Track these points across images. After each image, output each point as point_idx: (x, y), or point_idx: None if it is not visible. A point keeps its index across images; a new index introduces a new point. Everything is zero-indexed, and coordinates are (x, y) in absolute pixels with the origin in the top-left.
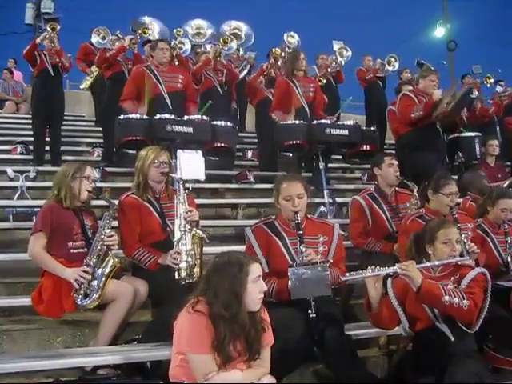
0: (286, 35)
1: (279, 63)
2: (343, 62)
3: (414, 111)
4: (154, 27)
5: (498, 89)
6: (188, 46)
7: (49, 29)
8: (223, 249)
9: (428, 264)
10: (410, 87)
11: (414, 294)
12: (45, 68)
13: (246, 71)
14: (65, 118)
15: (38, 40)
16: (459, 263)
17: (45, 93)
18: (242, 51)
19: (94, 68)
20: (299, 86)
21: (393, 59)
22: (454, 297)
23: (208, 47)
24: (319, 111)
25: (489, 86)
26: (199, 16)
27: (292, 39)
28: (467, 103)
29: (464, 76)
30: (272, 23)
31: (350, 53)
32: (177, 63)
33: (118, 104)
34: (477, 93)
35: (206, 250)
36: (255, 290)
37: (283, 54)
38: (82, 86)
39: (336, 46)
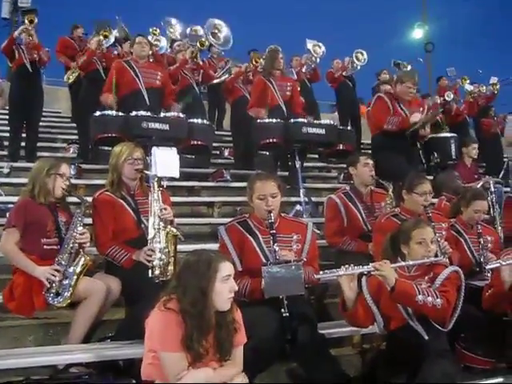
0: (310, 44)
1: (258, 69)
2: (318, 60)
3: (388, 123)
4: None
5: (468, 87)
6: (164, 44)
7: (26, 21)
8: (198, 247)
9: (403, 263)
10: (389, 87)
11: (388, 293)
12: (23, 63)
13: (226, 76)
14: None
15: (16, 33)
16: (433, 262)
17: (23, 88)
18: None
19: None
20: (276, 85)
21: (360, 54)
22: (428, 296)
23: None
24: (299, 110)
25: (465, 87)
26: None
27: (319, 49)
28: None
29: (439, 78)
30: (251, 21)
31: (323, 49)
32: (151, 60)
33: (94, 102)
34: (452, 96)
35: (182, 247)
36: (224, 289)
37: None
38: (65, 79)
39: (309, 44)
